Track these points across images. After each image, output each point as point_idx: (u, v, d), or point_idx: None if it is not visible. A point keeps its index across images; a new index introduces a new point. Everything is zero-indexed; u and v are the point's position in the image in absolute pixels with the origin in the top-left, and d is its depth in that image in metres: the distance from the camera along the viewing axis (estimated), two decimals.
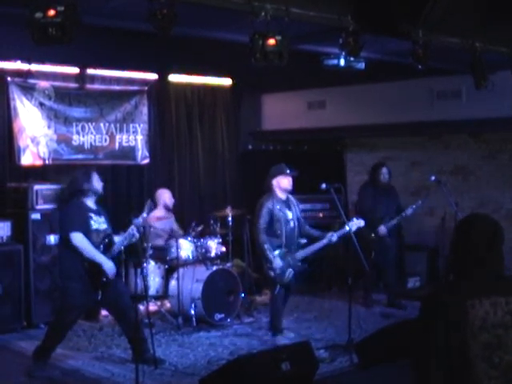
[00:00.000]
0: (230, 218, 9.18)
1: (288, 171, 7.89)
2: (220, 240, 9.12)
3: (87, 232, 6.75)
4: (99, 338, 8.00)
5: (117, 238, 7.01)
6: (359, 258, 7.45)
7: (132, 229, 6.86)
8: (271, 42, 6.09)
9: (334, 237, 7.77)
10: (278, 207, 7.80)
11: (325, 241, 7.83)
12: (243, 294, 8.93)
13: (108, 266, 6.73)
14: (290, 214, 7.89)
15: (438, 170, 10.59)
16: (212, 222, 9.23)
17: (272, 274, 7.73)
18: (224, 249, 9.14)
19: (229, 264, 9.19)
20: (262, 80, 10.46)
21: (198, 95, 11.27)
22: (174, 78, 10.86)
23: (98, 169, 9.72)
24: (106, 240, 6.86)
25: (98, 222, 6.88)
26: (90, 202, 6.93)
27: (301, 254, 7.88)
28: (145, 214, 7.04)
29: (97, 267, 6.71)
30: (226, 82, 11.56)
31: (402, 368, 4.35)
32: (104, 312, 8.92)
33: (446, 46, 7.58)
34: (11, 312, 8.26)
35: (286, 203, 7.94)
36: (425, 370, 2.78)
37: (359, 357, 6.40)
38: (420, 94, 10.63)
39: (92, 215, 6.85)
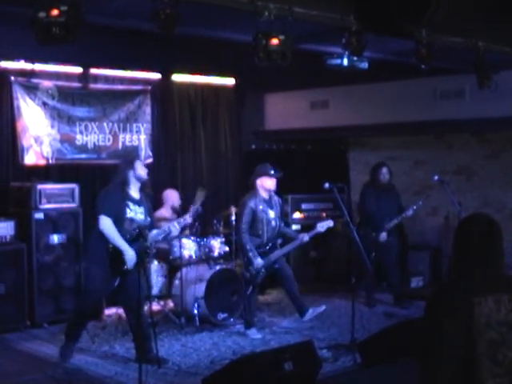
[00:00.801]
0: (233, 218, 9.18)
1: (272, 172, 8.02)
2: (223, 239, 9.12)
3: (120, 219, 6.86)
4: (102, 337, 8.01)
5: (154, 231, 7.14)
6: (362, 257, 7.45)
7: (168, 226, 7.09)
8: (274, 41, 6.09)
9: (305, 237, 8.09)
10: (260, 207, 7.96)
11: (297, 242, 8.16)
12: None
13: (129, 255, 6.80)
14: (271, 214, 8.07)
15: (442, 169, 10.57)
16: (215, 221, 9.24)
17: (248, 275, 7.98)
18: (227, 248, 9.14)
19: (232, 263, 9.20)
20: (265, 80, 10.46)
21: (202, 95, 11.27)
22: (178, 77, 10.86)
23: (101, 168, 9.88)
24: (138, 230, 6.87)
25: (135, 212, 6.97)
26: (134, 191, 7.03)
27: (275, 255, 8.08)
28: (188, 218, 7.23)
29: (120, 254, 6.80)
30: (229, 81, 11.56)
31: (405, 367, 4.35)
32: (107, 311, 8.95)
33: (449, 46, 7.57)
34: (14, 311, 8.27)
35: (269, 202, 8.10)
36: (430, 370, 2.78)
37: (362, 356, 6.40)
38: (423, 93, 10.62)
39: (130, 204, 6.95)
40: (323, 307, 8.10)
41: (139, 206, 7.02)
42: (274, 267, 8.15)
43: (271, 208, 8.08)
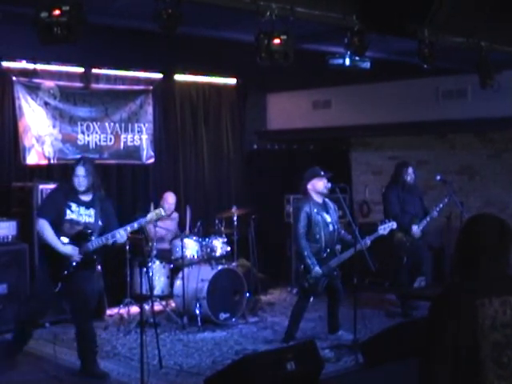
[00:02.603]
0: (235, 218, 9.18)
1: (322, 173, 7.69)
2: (225, 239, 9.11)
3: (59, 220, 6.54)
4: (104, 337, 7.99)
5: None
6: (365, 257, 7.41)
7: (113, 234, 6.55)
8: (276, 41, 6.09)
9: (367, 241, 7.56)
10: (315, 210, 7.59)
11: (358, 247, 7.47)
12: (248, 294, 8.93)
13: (67, 251, 6.48)
14: (328, 218, 7.69)
15: (444, 169, 10.57)
16: (217, 221, 9.23)
17: (306, 284, 7.57)
18: (229, 248, 9.13)
19: (234, 263, 9.20)
20: (267, 79, 10.46)
21: (203, 95, 11.27)
22: (179, 77, 10.86)
23: (103, 168, 9.85)
24: (80, 233, 6.56)
25: (79, 214, 6.60)
26: (83, 194, 6.63)
27: (335, 261, 7.66)
28: (136, 225, 6.67)
29: (60, 259, 6.52)
30: (231, 81, 11.56)
31: (407, 367, 4.34)
32: (109, 311, 8.95)
33: (451, 46, 7.57)
34: (16, 311, 8.25)
35: (324, 206, 7.75)
36: (433, 370, 2.77)
37: (364, 356, 6.40)
38: (425, 93, 10.61)
39: (72, 205, 6.58)
40: (351, 336, 7.47)
41: (87, 208, 6.62)
42: (334, 274, 7.71)
43: (327, 212, 7.70)
